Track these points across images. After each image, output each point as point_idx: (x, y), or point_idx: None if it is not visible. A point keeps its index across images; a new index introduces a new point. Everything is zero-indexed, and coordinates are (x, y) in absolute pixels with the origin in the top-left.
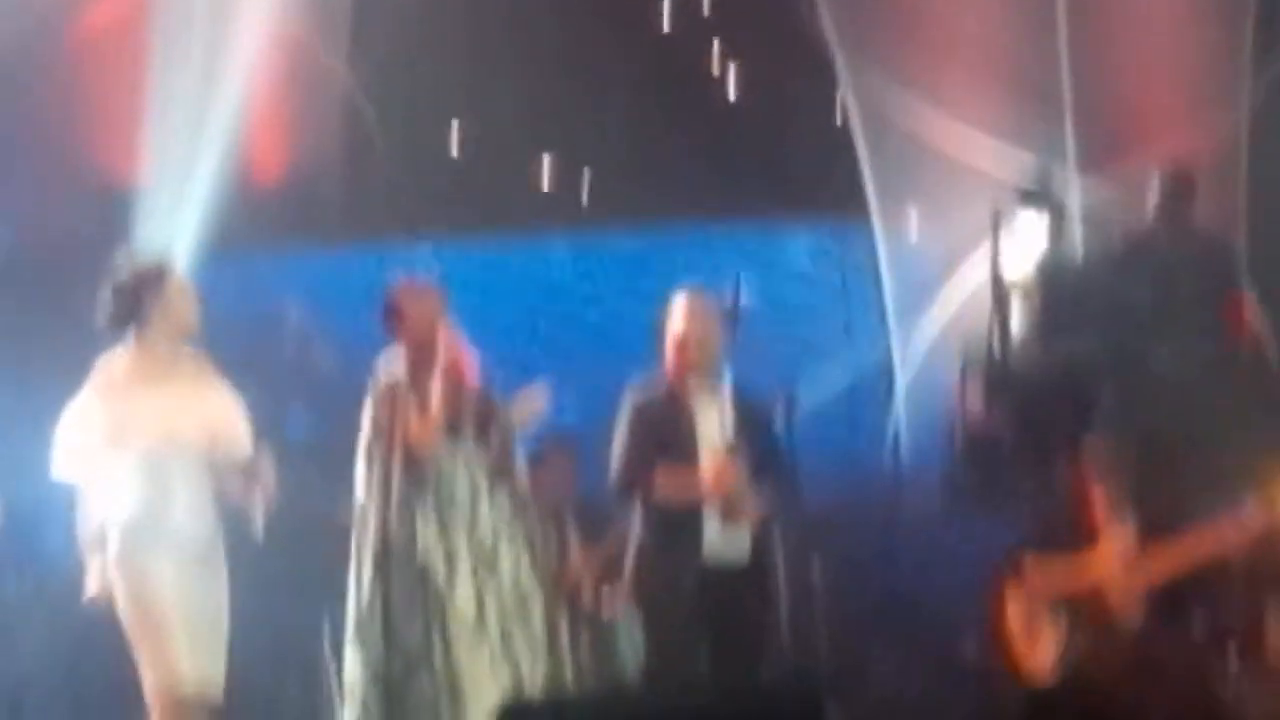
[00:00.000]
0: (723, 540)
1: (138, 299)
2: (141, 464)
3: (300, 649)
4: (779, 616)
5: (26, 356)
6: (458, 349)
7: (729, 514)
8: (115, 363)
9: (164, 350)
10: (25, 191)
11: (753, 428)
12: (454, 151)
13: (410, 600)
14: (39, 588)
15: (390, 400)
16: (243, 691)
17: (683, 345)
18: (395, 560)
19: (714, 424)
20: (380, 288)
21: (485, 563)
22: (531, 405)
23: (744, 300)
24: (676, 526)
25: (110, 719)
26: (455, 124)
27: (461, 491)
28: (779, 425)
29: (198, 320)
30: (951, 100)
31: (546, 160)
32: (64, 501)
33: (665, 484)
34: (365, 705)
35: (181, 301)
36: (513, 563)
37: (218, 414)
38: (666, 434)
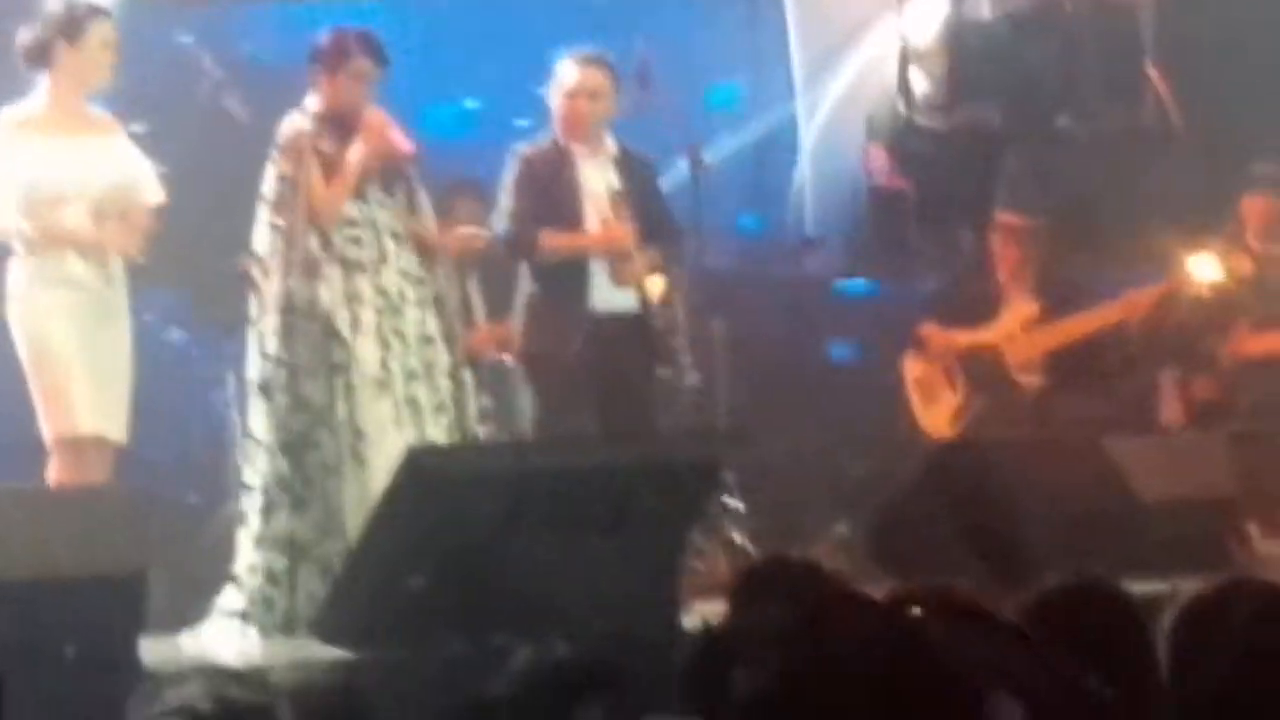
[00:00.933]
0: (610, 290)
1: (52, 44)
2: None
3: (204, 398)
4: (672, 368)
5: None
6: (385, 130)
7: (619, 274)
8: (23, 110)
9: (72, 103)
10: None
11: (641, 187)
12: None
13: (314, 355)
14: None
15: (296, 157)
16: (145, 439)
17: (571, 105)
18: (299, 315)
19: (601, 184)
20: (302, 42)
21: (390, 319)
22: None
23: (648, 62)
24: (563, 277)
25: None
26: None
27: (368, 249)
28: (667, 184)
29: (110, 74)
30: None
31: None
32: None
33: (552, 244)
34: (271, 458)
35: (100, 51)
36: (417, 320)
37: (123, 164)
38: (553, 193)
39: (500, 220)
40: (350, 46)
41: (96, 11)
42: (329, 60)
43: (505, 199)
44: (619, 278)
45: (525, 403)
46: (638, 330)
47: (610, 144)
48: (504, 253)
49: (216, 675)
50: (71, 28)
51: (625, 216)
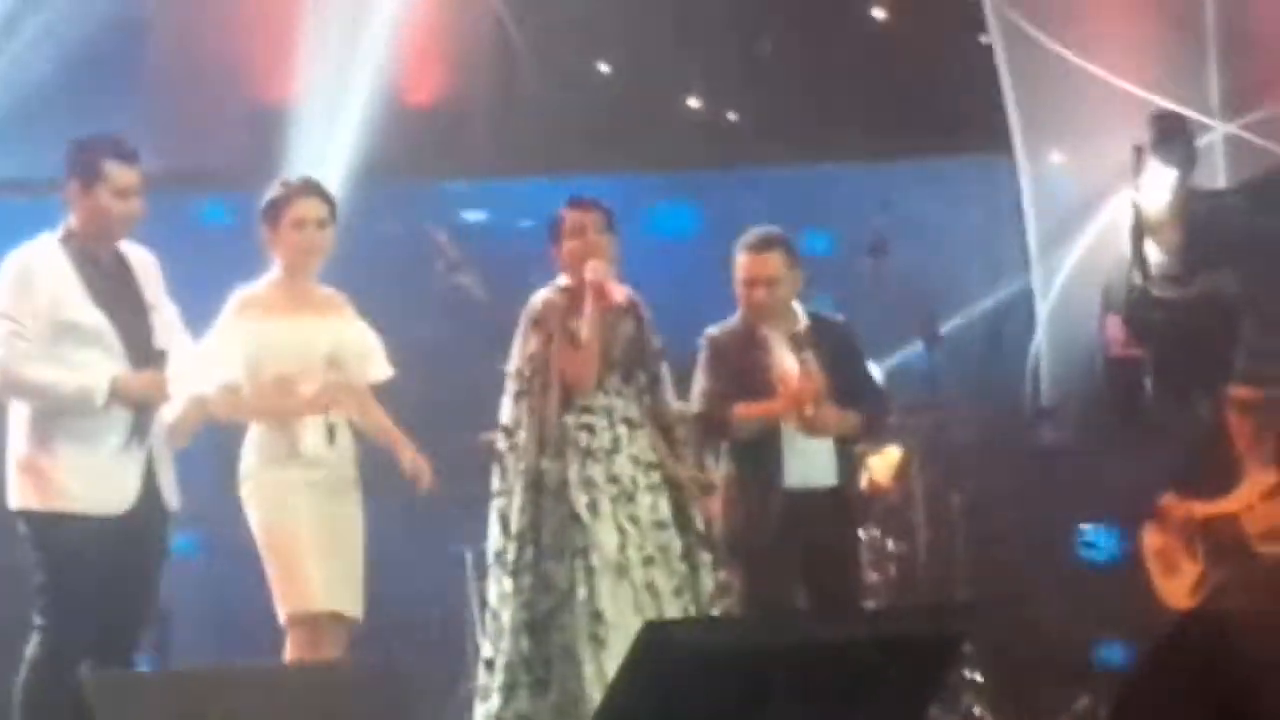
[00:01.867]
0: (804, 463)
1: (272, 225)
2: (274, 388)
3: (443, 576)
4: (888, 537)
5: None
6: (600, 275)
7: (809, 427)
8: (254, 290)
9: (300, 281)
10: (180, 115)
11: (835, 352)
12: (602, 87)
13: (558, 537)
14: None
15: (545, 332)
16: (383, 616)
17: (749, 294)
18: (547, 499)
19: (791, 359)
20: (545, 215)
21: (624, 504)
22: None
23: (884, 236)
24: (757, 456)
25: (253, 639)
26: (602, 63)
27: (602, 435)
28: (917, 359)
29: (326, 248)
30: (1096, 35)
31: (692, 99)
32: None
33: (743, 414)
34: (514, 636)
35: (309, 230)
36: (650, 505)
37: (357, 342)
38: (744, 371)
39: (695, 402)
40: (579, 217)
41: (305, 188)
42: (559, 232)
43: (698, 380)
44: (807, 427)
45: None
46: (835, 502)
47: (800, 316)
48: (701, 432)
49: None
50: (283, 206)
51: (814, 378)
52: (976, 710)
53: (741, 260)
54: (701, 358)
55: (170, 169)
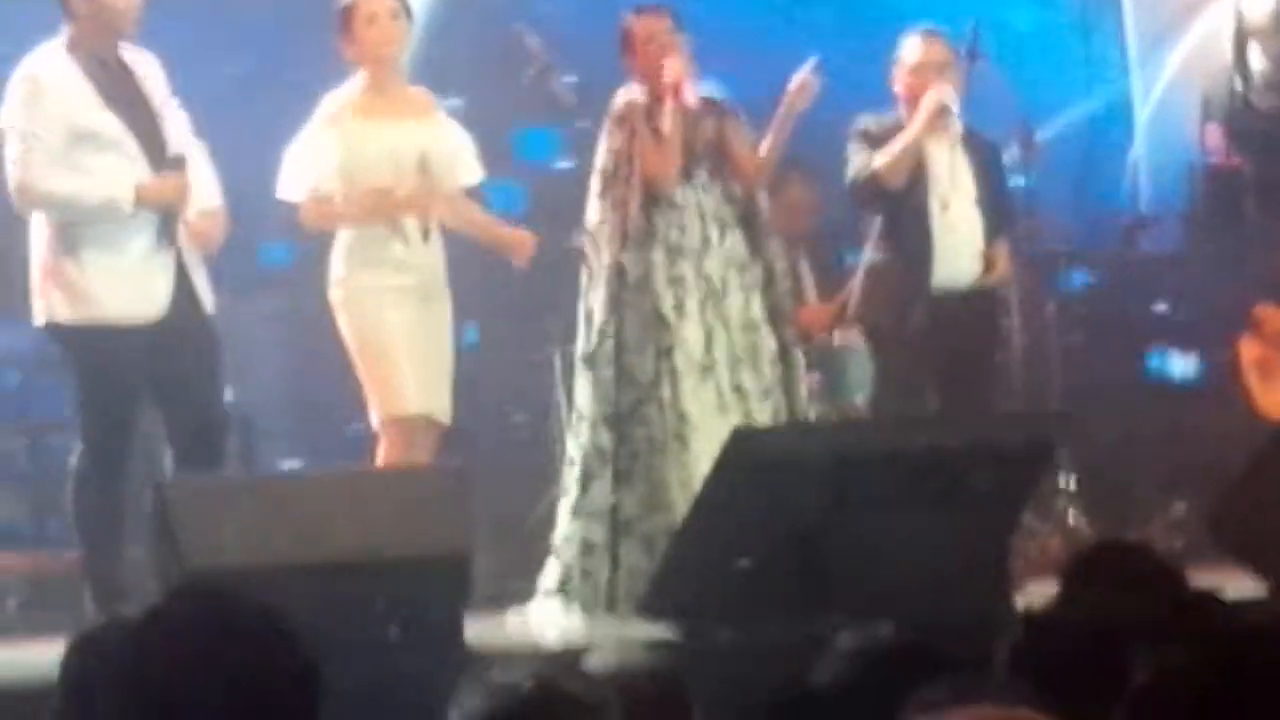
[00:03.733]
0: (953, 265)
1: (347, 26)
2: (342, 216)
3: (531, 376)
4: (1007, 350)
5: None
6: (676, 75)
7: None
8: (342, 96)
9: (391, 81)
10: None
11: (986, 168)
12: None
13: (642, 333)
14: (266, 309)
15: (628, 129)
16: (472, 417)
17: (920, 75)
18: (628, 292)
19: (943, 163)
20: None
21: (713, 303)
22: (804, 88)
23: (980, 39)
24: (907, 248)
25: (339, 443)
26: None
27: (692, 233)
28: (1011, 165)
29: (404, 44)
30: None
31: None
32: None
33: (882, 163)
34: (594, 434)
35: (386, 25)
36: (742, 303)
37: (450, 144)
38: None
39: (849, 177)
40: (648, 23)
41: None
42: (630, 38)
43: (851, 163)
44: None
45: (860, 377)
46: (979, 309)
47: (956, 125)
48: (854, 198)
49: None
50: (359, 7)
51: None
52: (1071, 517)
53: (910, 46)
54: (851, 146)
55: None
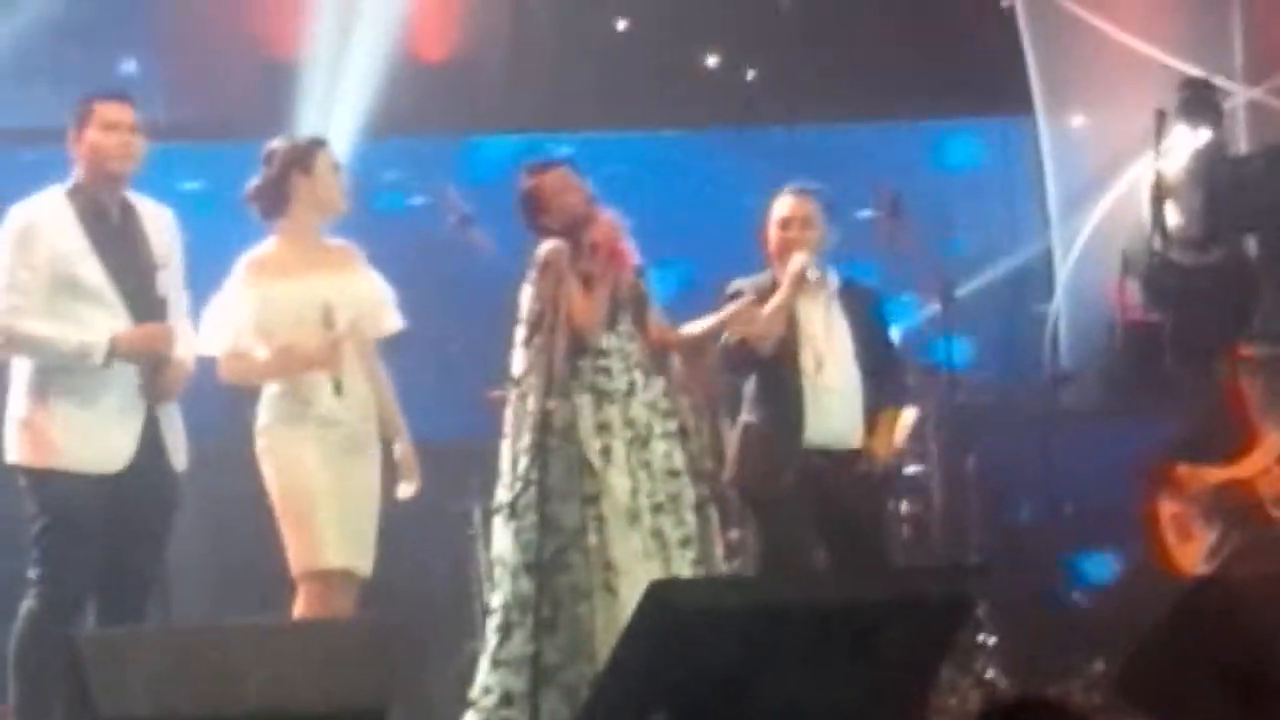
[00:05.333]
0: (827, 421)
1: (285, 177)
2: (253, 369)
3: (449, 528)
4: (881, 504)
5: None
6: (614, 230)
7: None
8: (258, 252)
9: (310, 237)
10: (190, 67)
11: (863, 319)
12: (618, 43)
13: (567, 481)
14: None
15: (553, 277)
16: (391, 568)
17: (784, 229)
18: (554, 439)
19: (818, 320)
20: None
21: (638, 449)
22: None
23: (899, 199)
24: (780, 409)
25: (257, 596)
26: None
27: (618, 379)
28: (932, 321)
29: (343, 201)
30: (1121, 4)
31: (710, 57)
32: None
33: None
34: (515, 583)
35: (329, 180)
36: (665, 450)
37: (365, 296)
38: None
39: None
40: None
41: (319, 141)
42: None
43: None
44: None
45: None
46: (855, 468)
47: (829, 281)
48: (725, 363)
49: None
50: (304, 158)
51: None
52: (989, 673)
53: (780, 202)
54: (729, 307)
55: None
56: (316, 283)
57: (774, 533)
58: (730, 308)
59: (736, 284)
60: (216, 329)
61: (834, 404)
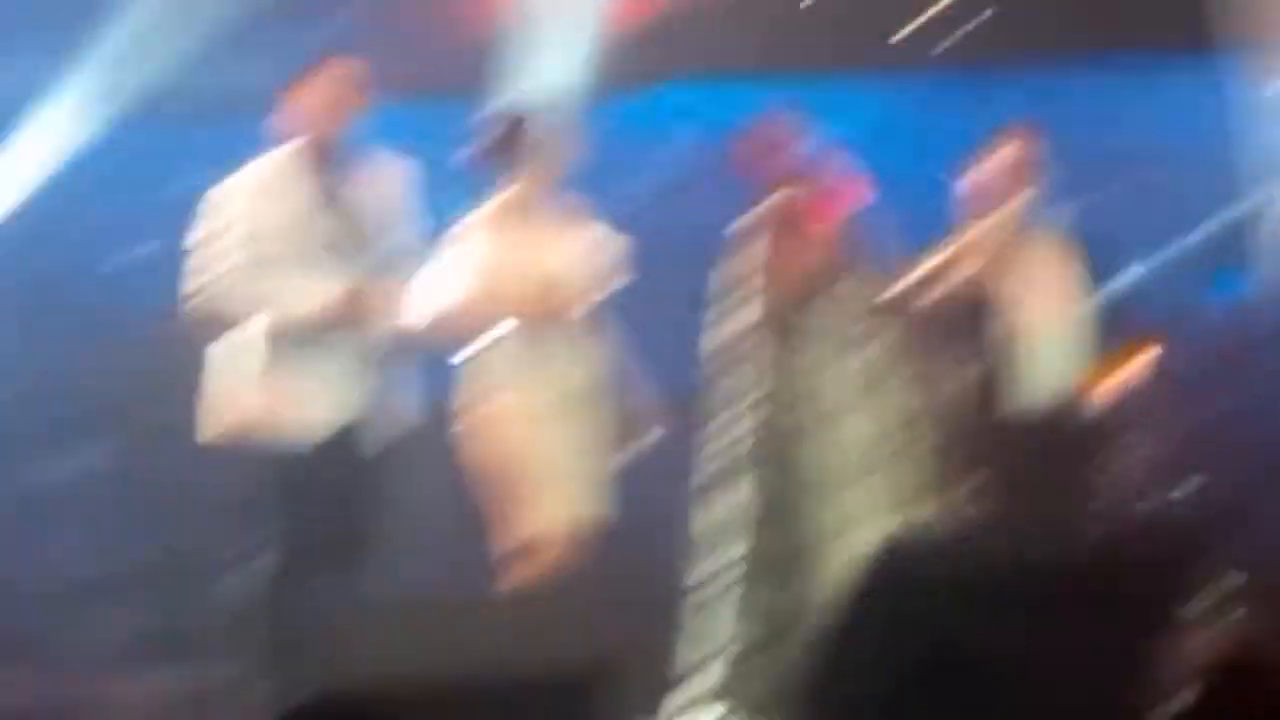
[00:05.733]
0: (1049, 367)
1: (514, 139)
2: (508, 304)
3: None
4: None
5: None
6: (835, 179)
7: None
8: (491, 210)
9: (539, 196)
10: (406, 26)
11: (1083, 262)
12: None
13: (801, 430)
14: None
15: (776, 230)
16: (627, 524)
17: (1005, 182)
18: (769, 400)
19: (1039, 260)
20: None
21: (872, 399)
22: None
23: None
24: (999, 353)
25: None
26: None
27: (847, 328)
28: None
29: (569, 164)
30: None
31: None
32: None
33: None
34: (748, 531)
35: (553, 146)
36: (898, 400)
37: (596, 251)
38: None
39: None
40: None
41: (546, 100)
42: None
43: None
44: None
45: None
46: (1075, 412)
47: (1054, 223)
48: (943, 313)
49: None
50: (532, 118)
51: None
52: (1230, 615)
53: (1001, 144)
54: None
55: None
56: (549, 239)
57: (999, 482)
58: (948, 249)
59: (956, 226)
60: (449, 284)
61: (1055, 350)
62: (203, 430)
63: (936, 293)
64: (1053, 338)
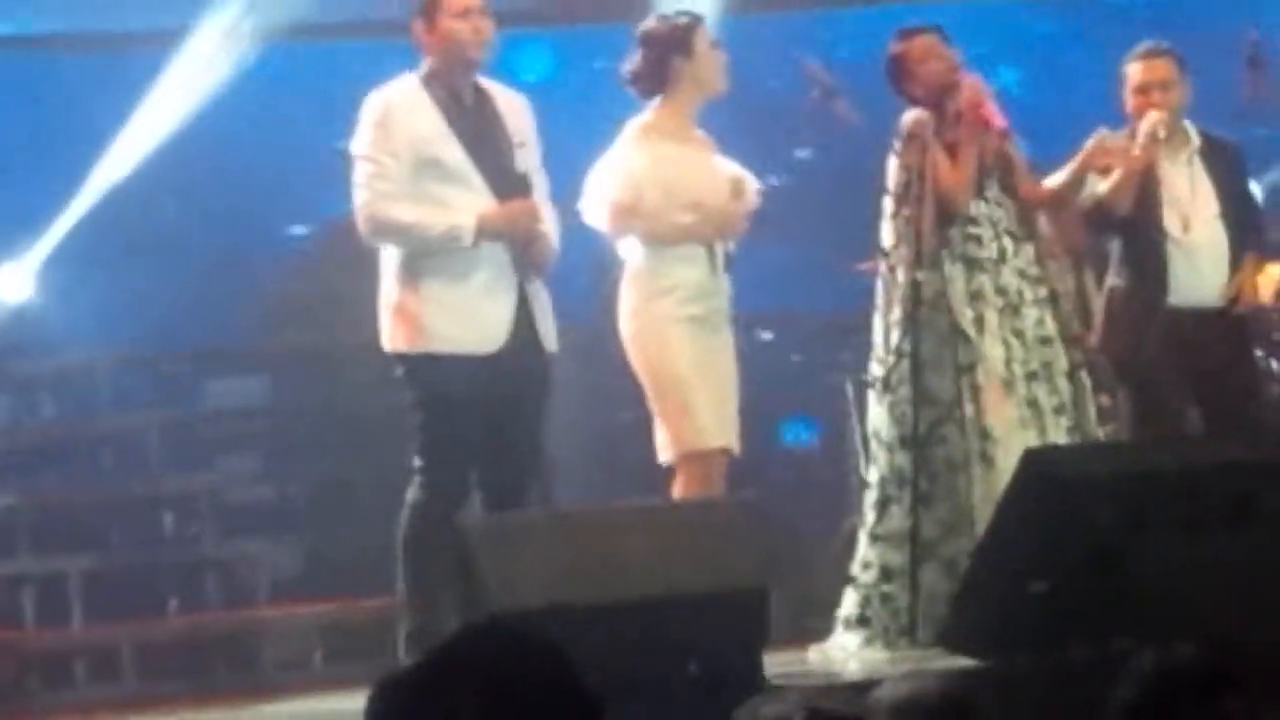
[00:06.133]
0: (1196, 286)
1: (665, 59)
2: (655, 225)
3: (824, 397)
4: (1253, 363)
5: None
6: (979, 95)
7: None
8: (650, 119)
9: (689, 117)
10: None
11: (1227, 176)
12: None
13: (940, 351)
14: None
15: (919, 147)
16: (761, 442)
17: (1143, 94)
18: (925, 311)
19: (1184, 178)
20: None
21: (1010, 318)
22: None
23: (1261, 44)
24: (1147, 271)
25: (640, 480)
26: None
27: (988, 247)
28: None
29: (724, 80)
30: None
31: None
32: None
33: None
34: (891, 458)
35: (709, 60)
36: (1036, 320)
37: (729, 174)
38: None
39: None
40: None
41: (697, 19)
42: (903, 64)
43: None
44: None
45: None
46: (1225, 327)
47: (1194, 136)
48: (1086, 224)
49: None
50: (685, 38)
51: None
52: None
53: (1134, 68)
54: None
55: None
56: (709, 156)
57: (1145, 396)
58: (1089, 144)
59: (1100, 132)
60: (612, 186)
61: (1200, 263)
62: (384, 342)
63: (1083, 203)
64: (1204, 248)
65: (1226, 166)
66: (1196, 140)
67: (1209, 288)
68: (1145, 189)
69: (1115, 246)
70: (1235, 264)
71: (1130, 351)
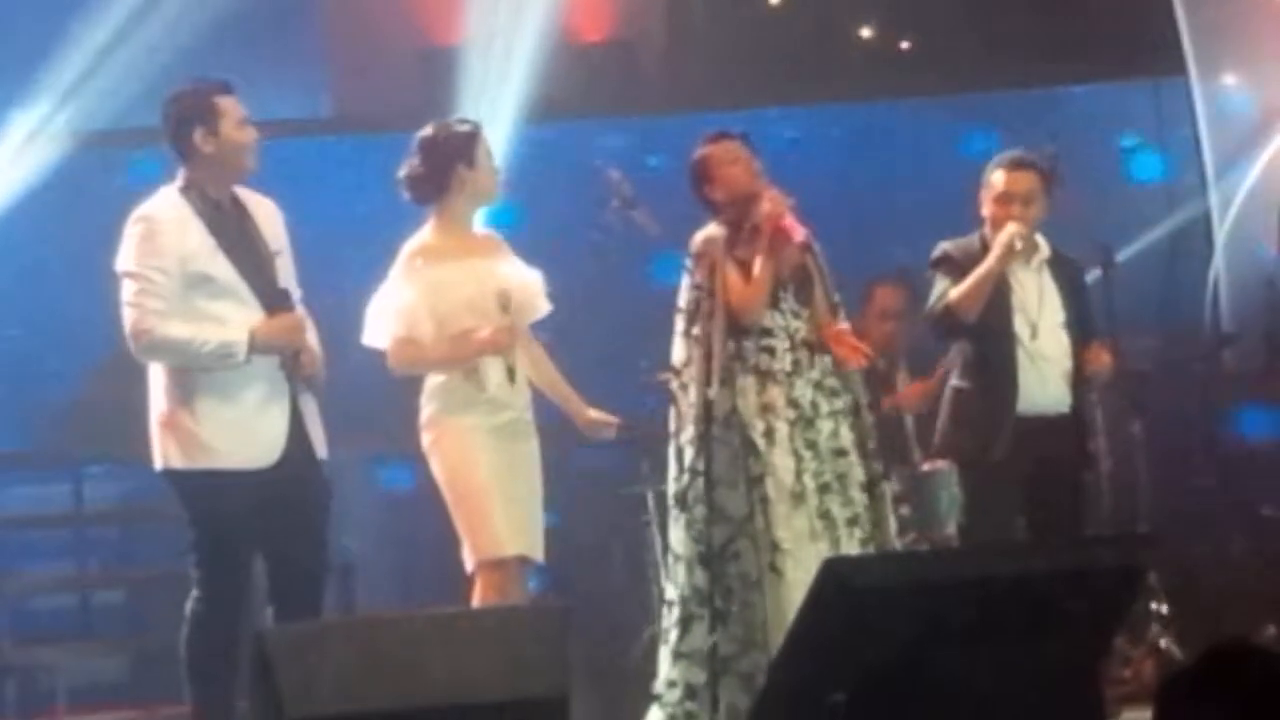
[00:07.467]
0: (1040, 390)
1: (448, 166)
2: (433, 354)
3: (626, 516)
4: (1095, 473)
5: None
6: (780, 207)
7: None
8: (422, 240)
9: (466, 225)
10: (344, 55)
11: (1071, 288)
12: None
13: (731, 468)
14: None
15: (708, 265)
16: (567, 556)
17: (1005, 204)
18: (718, 428)
19: (1031, 287)
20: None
21: (803, 429)
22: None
23: (1059, 164)
24: (993, 375)
25: (436, 587)
26: None
27: (782, 359)
28: (1093, 288)
29: (498, 189)
30: None
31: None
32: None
33: (960, 297)
34: (690, 575)
35: (488, 170)
36: (831, 429)
37: (525, 280)
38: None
39: (932, 307)
40: (724, 144)
41: (478, 128)
42: (706, 171)
43: (935, 287)
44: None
45: (950, 505)
46: (1066, 432)
47: (1043, 249)
48: (933, 328)
49: None
50: (467, 148)
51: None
52: (1163, 642)
53: (998, 176)
54: (932, 272)
55: (341, 112)
56: (483, 269)
57: (981, 499)
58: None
59: (943, 246)
60: (387, 317)
61: (1046, 370)
62: (156, 459)
63: (931, 308)
64: (1052, 356)
65: (1069, 278)
66: (1046, 250)
67: (1053, 395)
68: (997, 295)
69: (964, 350)
70: (1077, 373)
71: (975, 452)
